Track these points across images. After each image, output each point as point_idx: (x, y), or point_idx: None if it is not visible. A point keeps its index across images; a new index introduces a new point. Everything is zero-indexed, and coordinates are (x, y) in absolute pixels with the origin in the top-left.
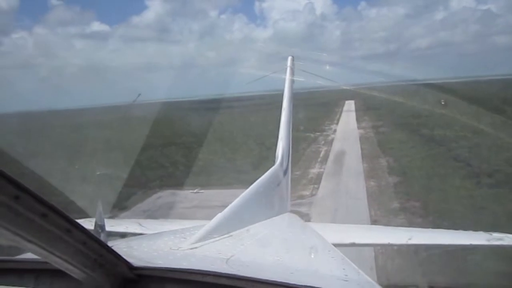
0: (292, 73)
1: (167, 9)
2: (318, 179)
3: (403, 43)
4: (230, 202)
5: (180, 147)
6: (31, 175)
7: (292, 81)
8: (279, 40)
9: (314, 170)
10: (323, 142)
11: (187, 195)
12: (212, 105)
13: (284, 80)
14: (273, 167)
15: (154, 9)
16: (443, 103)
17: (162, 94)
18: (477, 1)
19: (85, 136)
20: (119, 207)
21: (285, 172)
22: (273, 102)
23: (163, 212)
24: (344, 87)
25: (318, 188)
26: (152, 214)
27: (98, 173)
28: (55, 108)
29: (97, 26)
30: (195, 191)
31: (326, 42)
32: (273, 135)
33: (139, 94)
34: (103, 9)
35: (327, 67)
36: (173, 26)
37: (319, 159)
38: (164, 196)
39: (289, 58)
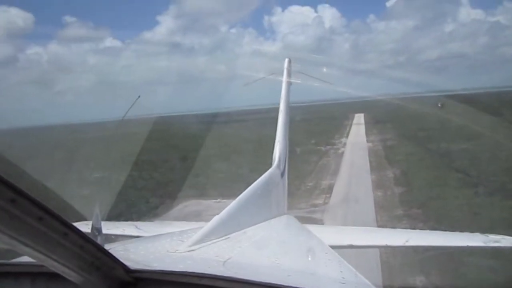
0: (289, 75)
1: (178, 24)
2: (329, 189)
3: (413, 55)
4: None
5: (198, 160)
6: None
7: (289, 83)
8: (288, 53)
9: (325, 182)
10: (334, 155)
11: (210, 204)
12: (225, 118)
13: (281, 82)
14: (270, 169)
15: (166, 25)
16: (439, 105)
17: (175, 108)
18: (486, 13)
19: (106, 149)
20: (150, 214)
21: (282, 174)
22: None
23: (191, 219)
24: (346, 94)
25: (329, 197)
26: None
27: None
28: (70, 122)
29: (109, 42)
30: (217, 200)
31: (335, 55)
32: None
33: (139, 96)
34: (115, 25)
35: (338, 79)
36: (185, 41)
37: (330, 171)
38: (190, 205)
39: (286, 60)
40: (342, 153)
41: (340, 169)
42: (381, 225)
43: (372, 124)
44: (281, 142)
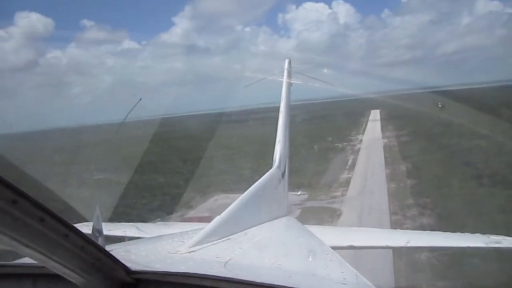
0: (289, 76)
1: (193, 25)
2: (347, 183)
3: (429, 49)
4: None
5: (222, 158)
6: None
7: (290, 84)
8: (303, 50)
9: (343, 176)
10: (350, 151)
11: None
12: (241, 117)
13: (281, 83)
14: (270, 170)
15: (181, 26)
16: (440, 106)
17: (192, 107)
18: (504, 4)
19: (132, 150)
20: (186, 206)
21: (283, 175)
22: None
23: (221, 211)
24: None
25: (347, 189)
26: (213, 212)
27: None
28: (89, 124)
29: (127, 44)
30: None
31: (350, 51)
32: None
33: (140, 99)
34: (132, 28)
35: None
36: (200, 41)
37: (347, 166)
38: (220, 199)
39: (286, 61)
40: (358, 149)
41: (356, 164)
42: (393, 212)
43: (387, 120)
44: (281, 142)
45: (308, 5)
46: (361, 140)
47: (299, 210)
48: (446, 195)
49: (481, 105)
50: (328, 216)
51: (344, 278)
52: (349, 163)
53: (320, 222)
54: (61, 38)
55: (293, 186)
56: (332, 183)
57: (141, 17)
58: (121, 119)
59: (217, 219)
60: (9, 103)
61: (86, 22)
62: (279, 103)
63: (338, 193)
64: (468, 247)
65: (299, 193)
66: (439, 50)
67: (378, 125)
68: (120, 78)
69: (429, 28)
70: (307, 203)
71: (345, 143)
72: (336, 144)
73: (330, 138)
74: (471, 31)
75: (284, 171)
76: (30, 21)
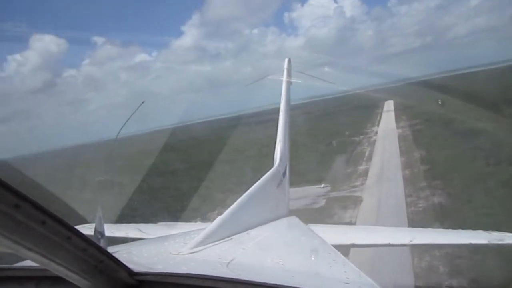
0: (289, 75)
1: (202, 32)
2: (365, 173)
3: (439, 34)
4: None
5: (244, 161)
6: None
7: (290, 83)
8: (311, 47)
9: (362, 167)
10: (366, 144)
11: None
12: (256, 119)
13: (281, 82)
14: (271, 170)
15: (191, 34)
16: (440, 102)
17: (206, 113)
18: None
19: (156, 159)
20: (214, 204)
21: (284, 174)
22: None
23: None
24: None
25: (366, 179)
26: None
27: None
28: (110, 137)
29: (138, 57)
30: None
31: (359, 43)
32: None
33: (143, 102)
34: (142, 40)
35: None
36: (210, 47)
37: (364, 158)
38: None
39: (286, 60)
40: (374, 141)
41: (373, 156)
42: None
43: (401, 110)
44: (282, 142)
45: (313, 1)
46: (376, 132)
47: (324, 201)
48: (457, 176)
49: (496, 86)
50: (350, 203)
51: (347, 278)
52: (366, 154)
53: (344, 208)
54: (75, 57)
55: (315, 180)
56: (352, 174)
57: (150, 29)
58: (139, 130)
59: (218, 220)
60: (32, 124)
61: (97, 39)
62: (280, 103)
63: (358, 183)
64: (471, 244)
65: (322, 185)
66: (450, 34)
67: (392, 115)
68: (134, 91)
69: (437, 12)
70: (330, 194)
71: (361, 136)
72: (353, 138)
73: (347, 133)
74: (481, 11)
75: (285, 170)
76: (44, 43)
